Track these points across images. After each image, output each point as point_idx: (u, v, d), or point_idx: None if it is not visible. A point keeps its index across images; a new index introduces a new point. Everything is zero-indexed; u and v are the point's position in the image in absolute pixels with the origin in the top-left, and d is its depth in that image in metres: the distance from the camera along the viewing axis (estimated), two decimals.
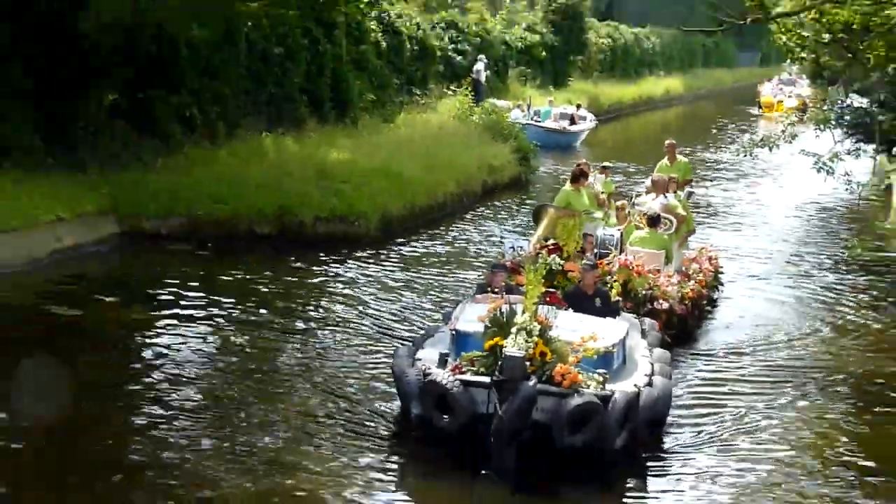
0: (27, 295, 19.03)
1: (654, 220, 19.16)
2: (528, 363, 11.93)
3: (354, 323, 18.24)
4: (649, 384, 13.35)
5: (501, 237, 19.63)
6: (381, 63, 37.87)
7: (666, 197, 20.56)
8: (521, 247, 18.27)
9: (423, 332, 15.78)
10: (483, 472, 11.90)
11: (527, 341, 12.10)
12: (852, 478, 12.96)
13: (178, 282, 20.21)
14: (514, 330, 12.23)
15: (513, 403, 11.56)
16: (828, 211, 32.97)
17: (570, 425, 11.87)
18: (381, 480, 12.24)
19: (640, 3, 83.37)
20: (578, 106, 48.30)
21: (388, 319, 18.58)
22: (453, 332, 13.68)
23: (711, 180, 38.05)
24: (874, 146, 29.23)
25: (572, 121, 45.82)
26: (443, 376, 12.27)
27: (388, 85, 38.40)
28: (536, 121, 43.78)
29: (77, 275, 20.55)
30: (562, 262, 16.26)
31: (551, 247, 17.20)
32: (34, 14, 23.05)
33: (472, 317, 13.53)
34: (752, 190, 36.85)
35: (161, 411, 13.95)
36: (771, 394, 15.71)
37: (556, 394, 12.01)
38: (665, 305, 17.21)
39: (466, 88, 39.75)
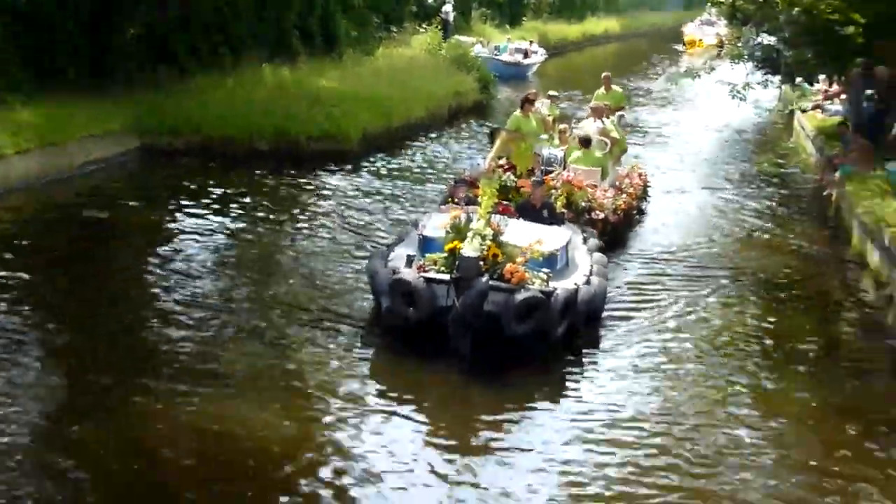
0: (66, 198, 19.21)
1: (585, 142, 19.13)
2: (481, 263, 12.12)
3: (339, 226, 18.30)
4: (587, 282, 13.50)
5: (469, 157, 19.53)
6: (362, 3, 37.48)
7: (602, 122, 20.45)
8: (479, 164, 18.26)
9: (395, 237, 15.78)
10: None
11: (481, 244, 12.26)
12: (758, 359, 13.14)
13: (189, 189, 20.35)
14: (470, 235, 12.38)
15: (468, 297, 11.80)
16: (740, 133, 32.98)
17: (518, 316, 12.08)
18: (354, 361, 12.34)
19: None
20: (531, 42, 47.94)
21: (368, 223, 18.63)
22: (420, 237, 13.78)
23: (643, 106, 37.93)
24: (780, 78, 29.27)
25: (525, 55, 45.54)
26: (409, 274, 12.51)
27: (369, 23, 38.03)
28: (495, 55, 43.50)
29: (104, 183, 20.58)
30: (515, 179, 16.81)
31: (507, 166, 17.47)
32: None
33: (436, 224, 13.70)
34: (677, 114, 36.76)
35: (175, 296, 14.12)
36: (690, 290, 15.73)
37: (505, 289, 12.19)
38: (601, 216, 17.19)
39: (436, 27, 39.47)
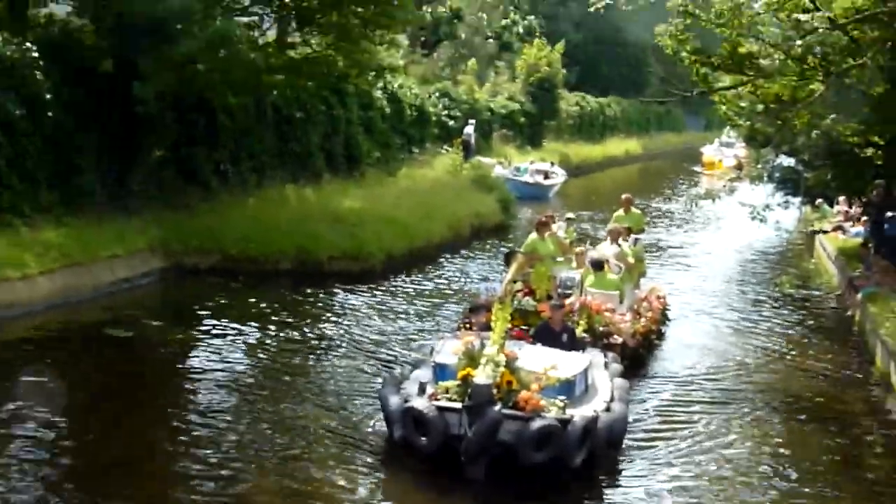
0: (90, 317, 19.26)
1: (597, 265, 18.92)
2: (494, 390, 11.91)
3: (362, 346, 18.27)
4: (608, 409, 13.25)
5: (481, 283, 19.38)
6: (385, 126, 38.05)
7: (619, 245, 20.35)
8: (495, 288, 18.08)
9: (410, 362, 15.59)
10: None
11: (494, 371, 12.09)
12: (785, 486, 12.92)
13: (212, 309, 20.43)
14: (483, 361, 12.23)
15: (480, 426, 11.63)
16: (761, 254, 33.13)
17: (533, 445, 11.87)
18: (370, 486, 12.25)
19: (605, 77, 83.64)
20: (552, 163, 48.41)
21: (387, 345, 18.58)
22: (433, 364, 13.60)
23: (664, 227, 38.19)
24: (800, 199, 29.45)
25: (546, 176, 45.94)
26: (420, 402, 12.32)
27: (392, 144, 38.57)
28: (516, 175, 43.91)
29: (129, 302, 20.69)
30: (534, 303, 16.75)
31: (525, 290, 17.31)
32: (98, 82, 23.27)
33: (450, 350, 13.49)
34: (698, 236, 36.99)
35: (194, 414, 14.15)
36: (711, 414, 15.50)
37: (519, 418, 11.98)
38: (619, 340, 17.02)
39: (457, 148, 39.95)
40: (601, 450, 12.86)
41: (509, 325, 14.34)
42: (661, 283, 23.68)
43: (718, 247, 33.96)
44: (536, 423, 11.90)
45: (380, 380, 15.42)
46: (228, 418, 14.06)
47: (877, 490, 12.98)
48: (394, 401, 12.83)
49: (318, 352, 18.04)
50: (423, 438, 12.12)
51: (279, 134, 30.88)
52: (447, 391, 12.44)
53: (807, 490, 12.83)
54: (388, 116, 38.51)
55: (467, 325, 16.03)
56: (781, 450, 14.19)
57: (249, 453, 12.85)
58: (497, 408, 11.77)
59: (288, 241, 24.46)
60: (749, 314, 23.14)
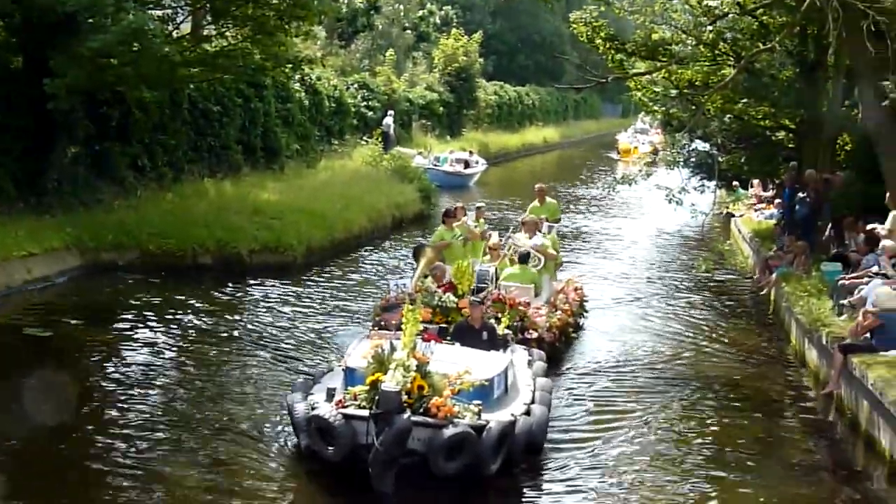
0: (5, 317, 18.92)
1: (524, 258, 18.71)
2: (404, 396, 11.24)
3: (280, 344, 17.94)
4: (527, 412, 12.71)
5: (390, 280, 18.34)
6: (304, 118, 37.84)
7: (538, 235, 20.07)
8: (405, 285, 17.20)
9: (323, 368, 14.82)
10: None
11: (404, 376, 11.41)
12: (709, 473, 12.85)
13: (131, 305, 20.21)
14: (392, 366, 11.56)
15: (388, 435, 10.89)
16: (678, 237, 33.54)
17: (446, 453, 11.23)
18: (278, 494, 11.69)
19: (522, 66, 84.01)
20: (471, 152, 48.57)
21: (307, 337, 18.42)
22: (344, 369, 12.87)
23: (582, 214, 38.49)
24: (715, 182, 29.83)
25: (466, 165, 46.12)
26: (326, 410, 11.60)
27: (310, 136, 38.38)
28: (436, 165, 43.97)
29: (45, 301, 20.35)
30: (455, 299, 15.80)
31: (446, 286, 16.42)
32: (8, 78, 22.82)
33: (361, 353, 12.72)
34: (616, 221, 37.30)
35: (113, 414, 13.98)
36: (633, 407, 15.21)
37: (431, 425, 11.34)
38: (534, 335, 16.49)
39: (377, 139, 39.86)
40: (519, 455, 12.30)
41: (426, 324, 14.01)
42: (579, 273, 23.84)
43: (636, 232, 34.29)
44: (448, 431, 11.24)
45: (295, 376, 15.23)
46: (145, 416, 13.86)
47: (797, 471, 13.11)
48: (300, 408, 12.23)
49: (237, 349, 17.75)
50: (330, 448, 11.46)
51: (196, 128, 30.56)
52: (355, 398, 11.68)
53: (731, 477, 12.76)
54: (306, 108, 38.29)
55: (381, 325, 15.31)
56: (704, 437, 14.13)
57: (163, 453, 12.62)
58: (406, 415, 11.06)
59: (207, 235, 24.23)
60: (667, 300, 23.28)
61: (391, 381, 11.28)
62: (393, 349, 11.92)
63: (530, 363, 14.88)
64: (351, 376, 12.38)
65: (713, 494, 12.16)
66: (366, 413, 11.30)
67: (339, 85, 43.24)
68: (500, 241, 20.37)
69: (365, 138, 41.03)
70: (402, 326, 12.17)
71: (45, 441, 12.86)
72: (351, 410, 11.52)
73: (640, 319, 21.20)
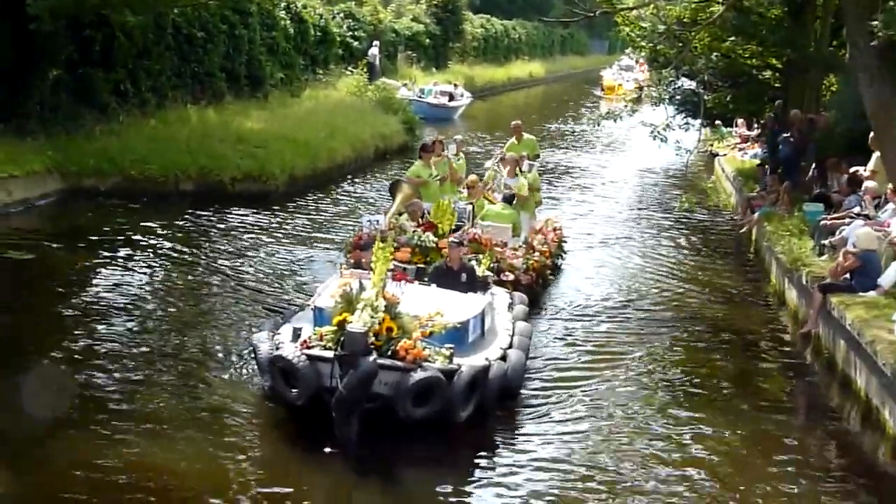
0: None
1: (508, 199, 18.21)
2: (373, 338, 10.76)
3: (258, 271, 17.91)
4: (503, 357, 12.25)
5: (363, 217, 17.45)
6: (288, 46, 37.47)
7: (517, 175, 19.03)
8: (378, 220, 16.15)
9: (295, 307, 14.27)
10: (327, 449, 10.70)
11: (372, 317, 10.87)
12: (687, 414, 12.74)
13: (112, 231, 20.17)
14: (360, 306, 11.00)
15: (352, 378, 10.34)
16: (661, 175, 33.46)
17: (413, 398, 10.75)
18: (236, 440, 11.10)
19: (509, 0, 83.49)
20: (456, 85, 48.31)
21: (286, 264, 18.42)
22: (313, 308, 12.34)
23: (565, 149, 38.35)
24: (700, 121, 29.72)
25: (451, 97, 45.89)
26: (289, 351, 11.07)
27: (295, 65, 38.07)
28: (421, 97, 43.73)
29: (27, 224, 20.29)
30: (435, 239, 15.30)
31: (426, 225, 15.75)
32: None
33: (331, 292, 12.20)
34: (599, 157, 37.22)
35: (93, 339, 13.94)
36: (611, 349, 14.97)
37: (398, 368, 10.83)
38: (511, 277, 15.81)
39: (362, 69, 39.57)
40: (492, 401, 11.78)
41: (404, 264, 13.81)
42: (559, 211, 23.60)
43: (619, 169, 34.22)
44: (416, 375, 10.76)
45: (270, 304, 15.15)
46: (116, 344, 13.75)
47: (771, 409, 13.10)
48: (264, 348, 11.59)
49: (213, 279, 17.51)
50: (293, 390, 10.92)
51: (180, 54, 30.18)
52: (321, 338, 11.17)
53: (706, 415, 12.65)
54: (291, 37, 37.89)
55: (355, 264, 14.52)
56: (680, 377, 14.08)
57: (140, 377, 12.58)
58: (372, 358, 10.51)
59: (189, 161, 24.11)
60: (648, 239, 23.11)
61: (358, 322, 10.77)
62: (362, 288, 11.34)
63: (510, 306, 14.42)
64: (320, 316, 11.90)
65: (687, 433, 12.09)
66: (330, 354, 10.81)
67: (325, 14, 42.78)
68: (493, 174, 19.66)
69: (350, 68, 40.73)
70: (372, 265, 11.61)
71: (22, 360, 12.91)
72: (315, 352, 11.03)
73: (619, 260, 20.97)
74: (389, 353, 10.92)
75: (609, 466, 11.04)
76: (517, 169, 19.22)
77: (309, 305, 12.94)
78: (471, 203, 17.64)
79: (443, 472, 10.85)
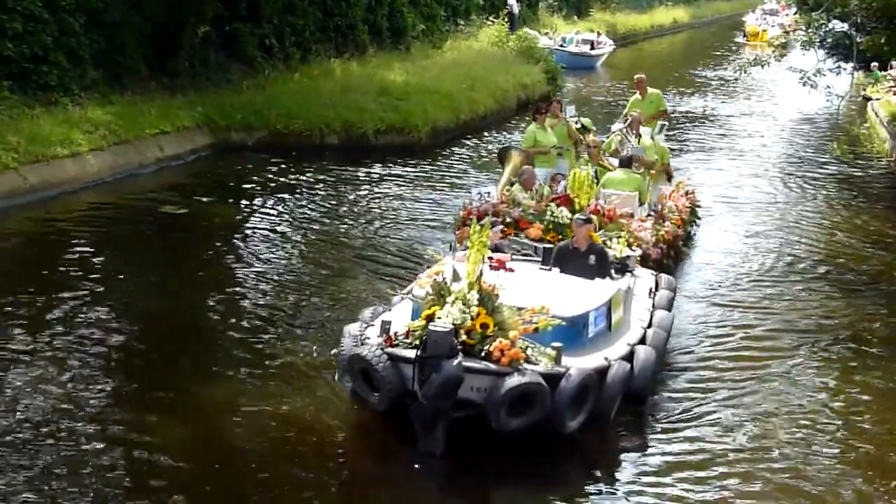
0: (139, 195, 19.28)
1: (625, 161, 16.11)
2: (464, 336, 9.24)
3: (403, 219, 18.07)
4: (628, 356, 10.54)
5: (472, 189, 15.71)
6: None
7: (639, 136, 17.32)
8: (489, 193, 14.68)
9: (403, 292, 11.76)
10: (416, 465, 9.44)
11: (463, 312, 9.32)
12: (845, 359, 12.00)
13: (260, 184, 20.51)
14: (450, 299, 9.46)
15: (433, 384, 8.94)
16: (811, 121, 32.46)
17: (509, 406, 9.14)
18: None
19: None
20: (598, 33, 47.64)
21: (432, 215, 18.42)
22: (411, 298, 10.56)
23: (711, 96, 37.50)
24: (852, 64, 28.69)
25: (592, 46, 45.27)
26: (370, 349, 9.47)
27: (436, 16, 38.06)
28: (562, 46, 43.25)
29: (178, 179, 20.70)
30: (570, 215, 13.19)
31: (561, 199, 13.73)
32: None
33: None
34: (746, 104, 36.27)
35: (245, 290, 14.20)
36: (759, 340, 12.88)
37: (489, 372, 9.19)
38: (638, 252, 13.30)
39: (503, 19, 39.31)
40: (610, 409, 10.09)
41: (537, 243, 12.66)
42: (700, 169, 22.61)
43: (765, 118, 33.27)
44: (512, 380, 9.10)
45: (421, 251, 14.99)
46: (268, 292, 14.03)
47: None
48: (347, 343, 10.21)
49: (363, 224, 17.74)
50: (374, 394, 9.50)
51: (323, 8, 30.49)
52: (408, 335, 9.55)
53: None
54: None
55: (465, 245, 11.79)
56: (837, 321, 13.14)
57: (292, 330, 12.59)
58: (456, 361, 8.96)
59: (333, 115, 24.30)
60: (797, 198, 21.55)
61: (446, 318, 9.28)
62: (457, 277, 9.74)
63: (652, 292, 12.58)
64: (418, 308, 10.02)
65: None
66: (412, 354, 9.24)
67: None
68: (597, 140, 17.87)
69: (491, 19, 40.48)
70: (468, 252, 9.82)
71: (182, 310, 13.29)
72: (398, 351, 9.46)
73: (762, 224, 18.92)
74: (483, 353, 9.31)
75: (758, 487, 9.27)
76: (637, 129, 17.60)
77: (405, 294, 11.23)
78: (592, 168, 15.90)
79: (546, 493, 9.16)
